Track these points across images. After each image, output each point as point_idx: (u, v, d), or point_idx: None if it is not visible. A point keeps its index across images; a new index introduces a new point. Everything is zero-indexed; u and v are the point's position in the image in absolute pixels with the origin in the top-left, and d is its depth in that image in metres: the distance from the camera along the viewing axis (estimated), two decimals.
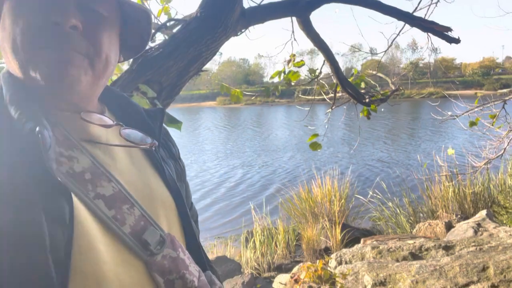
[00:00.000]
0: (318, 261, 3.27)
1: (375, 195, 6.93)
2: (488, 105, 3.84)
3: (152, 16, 0.74)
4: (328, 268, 3.89)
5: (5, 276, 0.43)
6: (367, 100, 2.24)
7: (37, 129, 0.51)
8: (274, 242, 6.00)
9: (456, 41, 1.76)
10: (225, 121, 34.57)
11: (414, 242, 4.26)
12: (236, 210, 8.82)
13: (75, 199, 0.52)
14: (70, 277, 0.47)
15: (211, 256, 5.43)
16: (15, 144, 0.51)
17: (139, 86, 1.03)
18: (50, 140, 0.52)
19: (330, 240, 5.96)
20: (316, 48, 1.88)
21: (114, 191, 0.58)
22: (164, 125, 0.81)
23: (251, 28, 2.72)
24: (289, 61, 2.64)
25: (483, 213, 5.15)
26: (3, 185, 0.47)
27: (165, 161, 0.74)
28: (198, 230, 0.87)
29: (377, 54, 3.63)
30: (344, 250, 4.46)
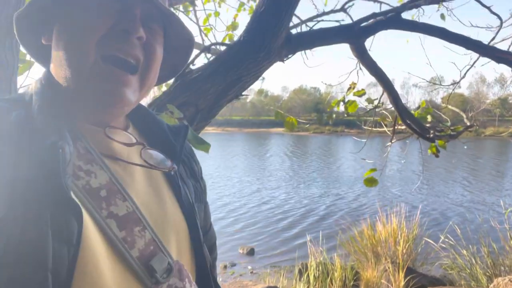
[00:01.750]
0: None
1: (447, 240, 6.28)
2: None
3: (192, 49, 0.73)
4: None
5: None
6: (431, 136, 2.04)
7: (59, 143, 0.51)
8: (329, 279, 5.68)
9: None
10: (291, 147, 34.56)
11: None
12: (292, 239, 8.60)
13: (86, 217, 0.51)
14: None
15: (263, 285, 5.29)
16: (33, 157, 0.51)
17: (167, 106, 1.03)
18: (70, 156, 0.52)
19: (392, 285, 5.49)
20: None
21: (128, 211, 0.57)
22: (188, 142, 0.80)
23: (312, 53, 2.67)
24: (348, 89, 2.54)
25: None
26: (15, 198, 0.47)
27: (184, 180, 0.73)
28: (215, 255, 0.84)
29: (450, 85, 3.34)
30: None
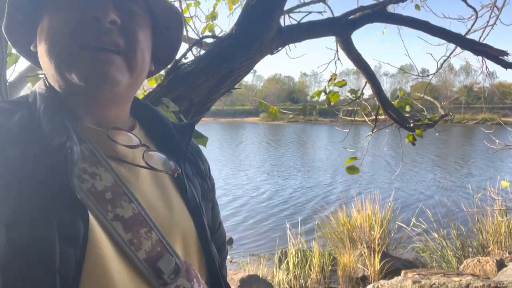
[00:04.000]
0: None
1: (419, 224, 6.54)
2: None
3: (184, 24, 0.71)
4: None
5: None
6: (411, 125, 2.11)
7: (67, 143, 0.51)
8: (308, 265, 5.82)
9: None
10: (267, 137, 34.74)
11: (461, 280, 3.93)
12: (271, 228, 8.69)
13: (92, 219, 0.51)
14: None
15: (243, 274, 5.35)
16: (40, 157, 0.51)
17: (163, 100, 1.02)
18: (78, 156, 0.52)
19: (368, 269, 5.69)
20: None
21: (134, 213, 0.57)
22: (194, 140, 0.79)
23: (295, 45, 2.69)
24: (329, 80, 2.58)
25: None
26: (21, 199, 0.47)
27: (190, 178, 0.72)
28: (225, 254, 0.84)
29: (426, 76, 3.45)
30: (382, 281, 4.23)
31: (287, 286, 5.42)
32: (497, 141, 4.27)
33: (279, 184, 13.46)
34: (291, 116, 2.52)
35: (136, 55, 0.60)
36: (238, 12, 3.11)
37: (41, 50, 0.59)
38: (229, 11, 3.42)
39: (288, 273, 5.66)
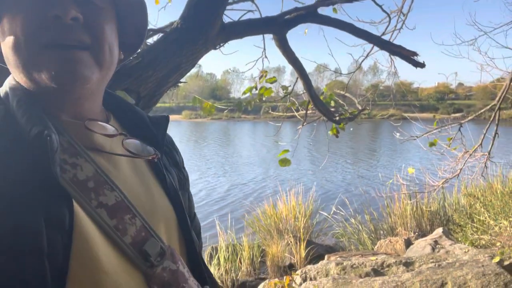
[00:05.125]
0: (284, 277, 3.27)
1: (338, 211, 7.07)
2: (446, 127, 4.06)
3: (147, 7, 0.72)
4: (294, 285, 3.91)
5: (0, 279, 0.44)
6: (337, 118, 2.31)
7: (45, 132, 0.51)
8: (238, 259, 5.93)
9: (421, 65, 1.86)
10: (194, 135, 34.26)
11: (376, 259, 4.36)
12: (202, 225, 8.66)
13: (76, 206, 0.52)
14: (67, 283, 0.47)
15: None
16: (21, 148, 0.51)
17: (117, 93, 1.00)
18: (57, 144, 0.52)
19: (294, 257, 5.98)
20: (282, 66, 1.95)
21: (117, 201, 0.58)
22: (168, 133, 0.81)
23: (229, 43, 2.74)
24: (261, 77, 2.69)
25: (439, 230, 5.39)
26: (6, 188, 0.47)
27: (168, 169, 0.74)
28: (201, 243, 0.86)
29: (342, 74, 3.77)
30: (309, 266, 4.49)
31: (219, 281, 5.47)
32: (398, 133, 4.78)
33: (206, 181, 13.41)
34: (225, 111, 2.57)
35: (103, 50, 0.60)
36: (169, 6, 3.06)
37: (5, 51, 0.58)
38: (156, 4, 3.35)
39: (219, 268, 5.71)
